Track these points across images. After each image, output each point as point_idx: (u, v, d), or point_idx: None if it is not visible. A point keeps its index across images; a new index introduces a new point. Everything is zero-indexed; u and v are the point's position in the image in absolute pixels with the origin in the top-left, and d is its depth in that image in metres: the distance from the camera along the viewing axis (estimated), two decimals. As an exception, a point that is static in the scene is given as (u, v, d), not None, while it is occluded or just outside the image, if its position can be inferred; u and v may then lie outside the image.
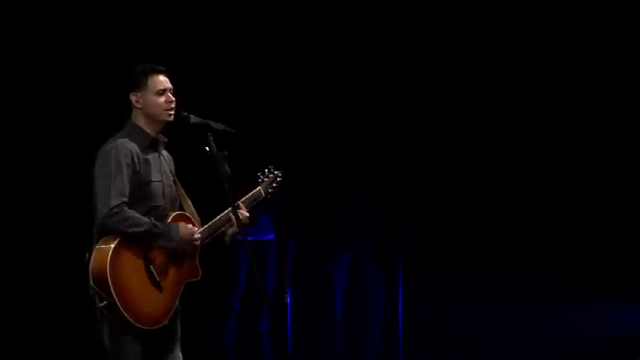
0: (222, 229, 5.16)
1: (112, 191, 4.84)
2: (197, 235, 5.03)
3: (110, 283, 4.75)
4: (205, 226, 5.12)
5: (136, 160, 4.95)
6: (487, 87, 9.18)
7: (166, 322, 4.98)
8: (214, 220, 5.14)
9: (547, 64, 9.12)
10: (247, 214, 5.21)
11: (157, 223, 4.91)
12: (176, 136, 5.15)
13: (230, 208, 5.05)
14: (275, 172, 5.46)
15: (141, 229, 4.84)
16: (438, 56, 9.08)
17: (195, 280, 5.08)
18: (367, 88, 9.06)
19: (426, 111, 9.16)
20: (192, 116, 5.01)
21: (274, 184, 5.45)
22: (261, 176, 5.43)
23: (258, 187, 5.38)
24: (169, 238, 4.93)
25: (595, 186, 9.17)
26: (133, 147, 4.96)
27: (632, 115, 9.13)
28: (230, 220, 5.12)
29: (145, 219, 4.88)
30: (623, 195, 9.17)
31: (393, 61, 9.07)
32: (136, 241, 4.86)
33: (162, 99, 5.02)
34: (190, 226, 5.04)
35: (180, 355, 5.12)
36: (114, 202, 4.82)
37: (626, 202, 9.16)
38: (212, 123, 4.99)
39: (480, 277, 8.83)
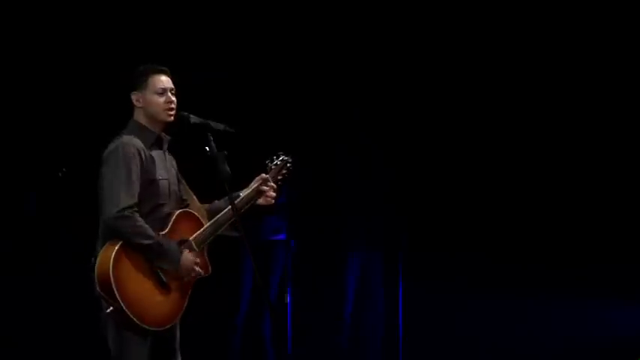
0: (224, 227, 5.15)
1: (122, 191, 4.82)
2: (196, 271, 4.96)
3: (114, 287, 4.72)
4: (208, 224, 5.10)
5: (142, 156, 4.94)
6: (492, 91, 9.19)
7: (176, 321, 4.97)
8: (217, 217, 5.11)
9: (545, 70, 9.14)
10: (275, 186, 5.23)
11: (163, 242, 4.86)
12: (176, 136, 5.16)
13: (230, 207, 5.04)
14: (284, 158, 5.43)
15: (146, 242, 4.80)
16: (443, 58, 9.09)
17: (205, 276, 5.05)
18: (373, 90, 9.06)
19: (426, 110, 9.17)
20: (192, 116, 5.00)
21: (284, 171, 5.41)
22: (269, 163, 5.39)
23: (267, 175, 5.32)
24: (170, 262, 4.89)
25: (594, 186, 9.18)
26: (139, 143, 4.96)
27: (631, 115, 9.15)
28: (230, 218, 5.11)
29: (153, 234, 4.84)
30: (622, 195, 9.18)
31: (400, 61, 9.07)
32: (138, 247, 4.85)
33: (162, 99, 5.02)
34: (194, 258, 4.96)
35: (179, 356, 5.10)
36: (124, 204, 4.80)
37: (625, 202, 9.17)
38: (212, 123, 4.98)
39: (480, 277, 8.83)
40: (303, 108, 8.97)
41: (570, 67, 9.08)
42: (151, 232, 4.83)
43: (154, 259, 4.85)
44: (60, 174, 7.92)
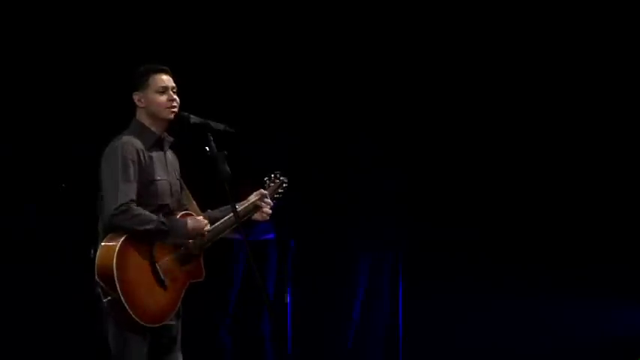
0: (222, 234, 5.17)
1: (119, 189, 4.87)
2: (207, 227, 5.05)
3: (116, 277, 4.77)
4: (210, 228, 5.13)
5: (141, 157, 4.97)
6: (491, 91, 9.20)
7: (169, 320, 5.00)
8: (218, 222, 5.15)
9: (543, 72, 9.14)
10: (270, 207, 5.31)
11: (164, 220, 4.93)
12: (176, 136, 5.17)
13: (232, 214, 5.06)
14: (281, 179, 5.49)
15: (150, 226, 4.87)
16: (446, 60, 9.10)
17: (198, 280, 5.11)
18: (378, 91, 9.07)
19: (427, 111, 9.17)
20: (192, 116, 5.03)
21: (280, 190, 5.48)
22: (268, 181, 5.46)
23: (266, 192, 5.37)
24: (179, 234, 4.96)
25: (595, 185, 9.18)
26: (138, 144, 4.99)
27: (632, 115, 9.15)
28: (229, 227, 5.14)
29: (154, 216, 4.90)
30: (622, 194, 9.18)
31: (403, 63, 9.08)
32: (144, 239, 4.88)
33: (163, 97, 5.04)
34: (200, 217, 5.06)
35: (180, 355, 5.13)
36: (122, 200, 4.85)
37: (625, 201, 9.17)
38: (212, 123, 5.00)
39: (480, 277, 8.83)
40: (309, 109, 8.98)
41: (570, 67, 9.08)
42: (151, 216, 4.90)
43: (164, 239, 4.92)
44: (59, 189, 7.94)
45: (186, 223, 5.00)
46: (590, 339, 8.51)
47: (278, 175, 5.49)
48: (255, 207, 5.29)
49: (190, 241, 5.03)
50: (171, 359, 5.09)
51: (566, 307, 8.91)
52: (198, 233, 5.03)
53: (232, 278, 8.49)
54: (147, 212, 4.89)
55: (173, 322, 5.06)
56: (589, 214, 9.12)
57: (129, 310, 4.80)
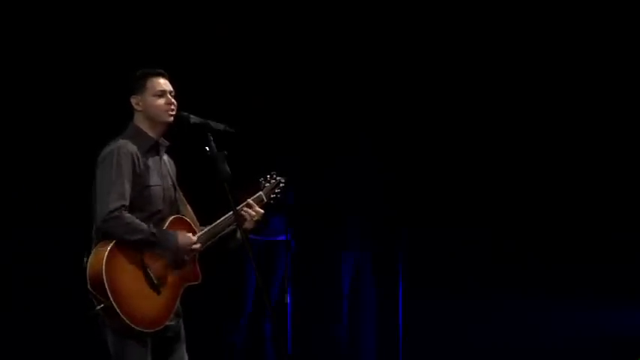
0: (224, 232, 5.16)
1: (111, 194, 4.85)
2: (196, 245, 5.03)
3: (106, 285, 4.75)
4: (204, 230, 5.13)
5: (136, 162, 4.96)
6: (486, 86, 9.19)
7: (166, 324, 4.98)
8: (215, 223, 5.14)
9: (544, 64, 9.14)
10: (262, 211, 5.24)
11: (154, 231, 4.90)
12: (176, 136, 5.17)
13: (231, 212, 5.05)
14: (278, 178, 5.45)
15: (138, 236, 4.85)
16: (436, 57, 9.10)
17: (195, 283, 5.09)
18: (368, 88, 9.07)
19: (425, 111, 9.17)
20: (192, 116, 5.02)
21: (277, 190, 5.44)
22: (264, 181, 5.43)
23: (260, 192, 5.36)
24: (166, 247, 4.93)
25: (595, 186, 9.18)
26: (134, 149, 4.98)
27: (631, 115, 9.16)
28: (231, 223, 5.12)
29: (144, 226, 4.88)
30: (622, 195, 9.18)
31: (391, 62, 9.08)
32: (132, 247, 4.86)
33: (161, 101, 5.04)
34: (190, 234, 5.03)
35: (186, 355, 5.13)
36: (113, 206, 4.83)
37: (625, 202, 9.17)
38: (212, 123, 4.99)
39: (480, 277, 8.83)
40: (301, 109, 8.97)
41: (558, 66, 9.10)
42: (142, 225, 4.87)
43: (152, 250, 4.88)
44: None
45: (176, 238, 4.96)
46: (590, 339, 8.51)
47: (274, 175, 5.45)
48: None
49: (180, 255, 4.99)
50: (177, 358, 5.09)
51: (567, 307, 8.91)
52: (186, 250, 4.98)
53: (247, 279, 8.44)
54: (138, 221, 4.87)
55: (173, 323, 5.05)
56: (588, 214, 9.13)
57: (122, 316, 4.78)
